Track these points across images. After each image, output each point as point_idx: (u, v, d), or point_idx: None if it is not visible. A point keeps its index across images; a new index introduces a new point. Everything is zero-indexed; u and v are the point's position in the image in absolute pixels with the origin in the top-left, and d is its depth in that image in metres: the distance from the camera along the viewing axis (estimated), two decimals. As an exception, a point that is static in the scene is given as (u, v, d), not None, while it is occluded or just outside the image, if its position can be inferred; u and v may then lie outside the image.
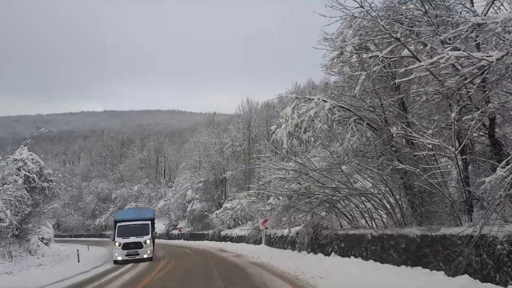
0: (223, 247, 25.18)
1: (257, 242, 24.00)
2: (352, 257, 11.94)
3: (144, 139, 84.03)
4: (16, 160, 21.95)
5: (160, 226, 51.25)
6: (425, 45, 10.49)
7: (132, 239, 19.10)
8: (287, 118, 11.53)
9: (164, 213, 50.19)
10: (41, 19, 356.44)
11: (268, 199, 30.54)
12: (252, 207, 29.06)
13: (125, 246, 18.87)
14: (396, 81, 9.45)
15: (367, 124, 12.36)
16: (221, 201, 38.08)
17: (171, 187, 61.91)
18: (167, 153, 76.74)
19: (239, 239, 28.31)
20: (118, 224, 20.38)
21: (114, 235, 19.66)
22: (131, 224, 20.25)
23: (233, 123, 44.12)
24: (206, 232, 36.47)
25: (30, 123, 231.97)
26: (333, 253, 13.06)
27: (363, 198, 12.74)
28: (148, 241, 19.42)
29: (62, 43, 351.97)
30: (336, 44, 13.24)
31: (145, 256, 19.00)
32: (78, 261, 18.99)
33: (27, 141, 23.67)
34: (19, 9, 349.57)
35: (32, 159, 22.55)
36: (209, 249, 25.16)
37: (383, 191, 11.49)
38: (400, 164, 9.29)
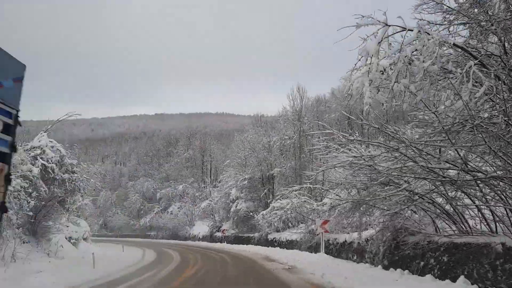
0: (271, 254, 21.10)
1: (312, 249, 19.72)
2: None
3: (190, 138, 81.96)
4: (34, 147, 19.22)
5: (204, 228, 48.17)
6: None
7: None
8: (369, 58, 7.27)
9: (208, 213, 47.03)
10: (95, 30, 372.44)
11: (322, 197, 26.28)
12: (305, 206, 24.79)
13: None
14: None
15: (495, 74, 7.89)
16: (268, 201, 34.12)
17: (217, 187, 58.99)
18: (213, 152, 74.05)
19: (289, 244, 24.15)
20: None
21: None
22: None
23: (281, 116, 39.95)
24: (252, 235, 32.61)
25: (86, 126, 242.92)
26: (461, 277, 8.44)
27: (485, 188, 8.19)
28: None
29: (118, 50, 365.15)
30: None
31: None
32: (94, 267, 15.69)
33: (49, 127, 20.97)
34: (74, 20, 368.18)
35: (52, 146, 19.75)
36: (253, 256, 21.18)
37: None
38: None
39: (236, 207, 36.77)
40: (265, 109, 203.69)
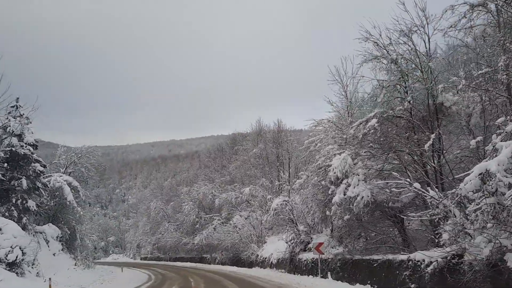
0: None
1: None
2: None
3: (261, 131, 62.45)
4: None
5: (279, 246, 27.75)
6: None
7: None
8: None
9: (283, 219, 26.56)
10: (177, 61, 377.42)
11: None
12: None
13: None
14: None
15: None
16: (430, 168, 13.15)
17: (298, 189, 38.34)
18: (291, 145, 53.36)
19: None
20: None
21: None
22: None
23: None
24: (395, 258, 11.90)
25: (164, 147, 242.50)
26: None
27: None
28: None
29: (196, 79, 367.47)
30: None
31: None
32: None
33: None
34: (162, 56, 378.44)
35: None
36: None
37: None
38: None
39: (344, 193, 16.06)
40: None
